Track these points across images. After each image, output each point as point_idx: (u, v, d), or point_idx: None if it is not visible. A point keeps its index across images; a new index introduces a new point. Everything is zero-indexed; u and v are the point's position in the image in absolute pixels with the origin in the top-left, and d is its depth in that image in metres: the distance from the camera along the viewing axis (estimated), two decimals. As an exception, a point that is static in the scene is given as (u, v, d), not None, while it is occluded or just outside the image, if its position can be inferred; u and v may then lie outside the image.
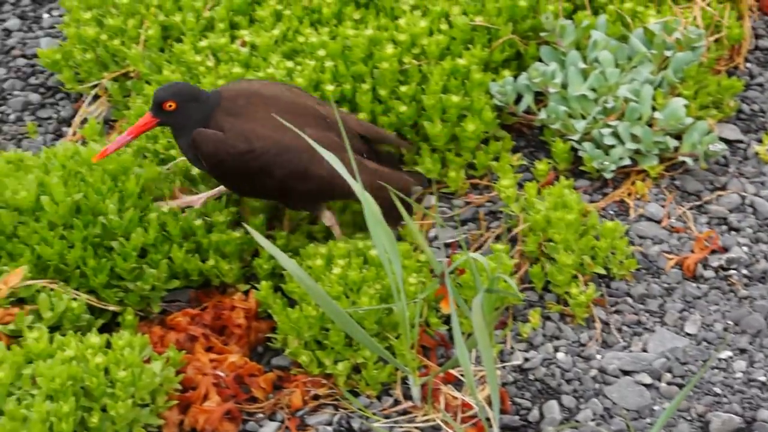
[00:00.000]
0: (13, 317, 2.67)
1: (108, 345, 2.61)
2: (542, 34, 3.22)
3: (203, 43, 3.20)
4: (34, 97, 3.48)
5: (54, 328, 2.70)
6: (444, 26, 3.19)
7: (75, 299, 2.74)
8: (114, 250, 2.78)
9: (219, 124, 2.78)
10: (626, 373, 2.73)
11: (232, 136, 2.76)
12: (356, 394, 2.71)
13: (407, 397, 2.71)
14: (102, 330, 2.74)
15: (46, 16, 3.72)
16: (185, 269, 2.85)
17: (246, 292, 2.87)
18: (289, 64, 3.13)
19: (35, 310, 2.71)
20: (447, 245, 2.97)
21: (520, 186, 3.07)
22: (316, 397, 2.72)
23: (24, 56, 3.60)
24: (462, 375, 2.70)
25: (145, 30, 3.29)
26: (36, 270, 2.77)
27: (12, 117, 3.43)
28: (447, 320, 2.78)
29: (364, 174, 2.74)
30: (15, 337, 2.65)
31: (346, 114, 2.99)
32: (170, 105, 2.77)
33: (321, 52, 3.14)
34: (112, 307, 2.80)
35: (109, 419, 2.49)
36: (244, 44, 3.20)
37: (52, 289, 2.74)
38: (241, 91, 2.84)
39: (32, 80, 3.54)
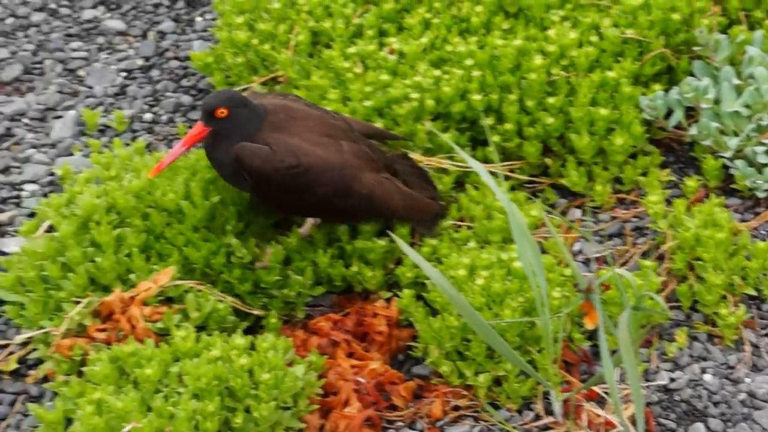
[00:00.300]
0: (161, 315, 2.72)
1: (252, 347, 2.64)
2: (695, 48, 3.16)
3: (352, 49, 3.22)
4: (186, 99, 3.54)
5: (200, 328, 2.74)
6: (594, 38, 3.16)
7: (221, 301, 2.78)
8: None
9: (264, 138, 2.76)
10: (777, 398, 2.68)
11: (278, 151, 2.74)
12: (497, 407, 2.70)
13: (548, 412, 2.68)
14: (246, 332, 2.77)
15: (199, 19, 3.79)
16: (329, 275, 2.87)
17: (388, 300, 2.88)
18: (437, 72, 3.13)
19: (183, 309, 2.75)
20: (592, 260, 2.94)
21: (668, 202, 3.02)
22: (456, 408, 2.71)
23: (177, 58, 3.68)
24: (606, 392, 2.66)
25: (296, 35, 3.32)
26: (184, 270, 2.82)
27: (164, 118, 3.49)
28: (590, 336, 2.75)
29: (399, 194, 2.83)
30: (163, 335, 2.70)
31: (354, 120, 3.00)
32: (222, 112, 2.75)
33: (469, 62, 3.13)
34: (256, 311, 2.83)
35: (252, 420, 2.52)
36: (392, 52, 3.22)
37: (199, 291, 2.78)
38: (278, 105, 2.84)
39: (184, 82, 3.60)
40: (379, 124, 3.09)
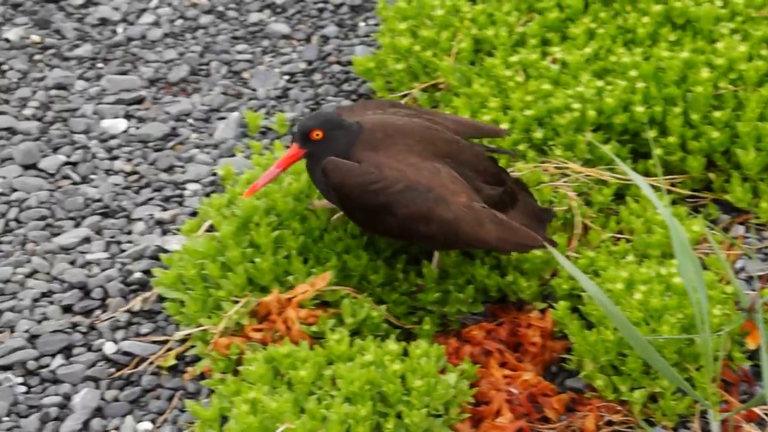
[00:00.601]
0: (316, 319, 2.75)
1: (405, 353, 2.64)
2: None
3: (514, 58, 3.21)
4: (346, 104, 3.57)
5: (353, 333, 2.75)
6: (764, 52, 3.09)
7: (375, 309, 2.78)
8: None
9: (357, 156, 2.73)
10: None
11: (361, 167, 2.71)
12: (652, 424, 2.65)
13: (705, 431, 2.62)
14: (399, 338, 2.77)
15: (362, 24, 3.82)
16: (485, 285, 2.85)
17: (542, 311, 2.85)
18: (599, 83, 3.09)
19: (337, 314, 2.77)
20: (755, 278, 2.86)
21: (837, 221, 2.93)
22: (609, 423, 2.67)
23: (339, 63, 3.71)
24: (766, 414, 2.59)
25: (458, 42, 3.32)
26: (340, 276, 2.84)
27: (324, 122, 3.53)
28: (751, 356, 2.68)
29: (493, 224, 2.70)
30: (317, 338, 2.73)
31: (460, 121, 2.92)
32: (317, 134, 2.74)
33: (633, 73, 3.08)
34: (409, 326, 2.83)
35: (403, 426, 2.52)
36: (554, 61, 3.19)
37: (354, 297, 2.79)
38: (377, 122, 2.80)
39: (345, 87, 3.63)
40: (539, 134, 3.06)
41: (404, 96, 3.40)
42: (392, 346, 2.62)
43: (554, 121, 3.06)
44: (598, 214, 3.00)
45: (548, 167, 3.03)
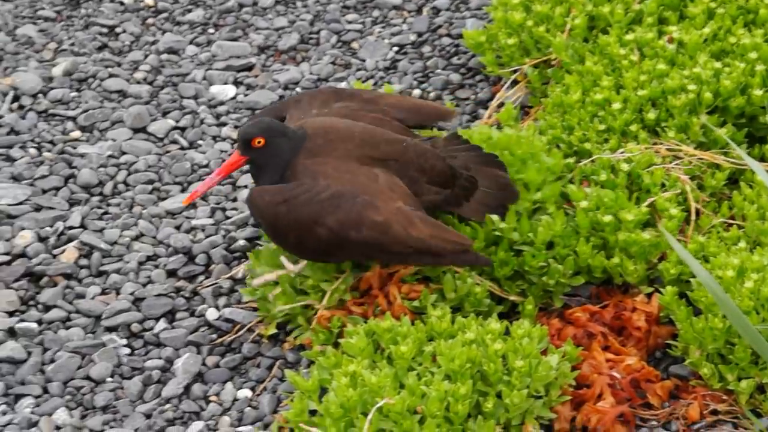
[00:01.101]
0: (418, 294, 2.73)
1: (507, 332, 2.61)
2: None
3: (629, 36, 3.14)
4: (455, 77, 3.53)
5: (455, 309, 2.73)
6: None
7: (478, 284, 2.76)
8: (522, 243, 2.79)
9: (298, 165, 2.71)
10: None
11: (285, 186, 2.69)
12: (758, 415, 2.59)
13: (813, 426, 2.56)
14: (501, 317, 2.75)
15: (474, -3, 3.78)
16: (589, 265, 2.81)
17: (649, 295, 2.80)
18: (717, 64, 3.02)
19: (439, 289, 2.75)
20: None
21: None
22: (714, 412, 2.61)
23: (449, 35, 3.68)
24: None
25: (572, 19, 3.26)
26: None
27: (432, 95, 3.50)
28: None
29: (424, 223, 2.66)
30: (418, 314, 2.71)
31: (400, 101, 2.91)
32: (259, 141, 2.72)
33: (752, 55, 3.01)
34: (513, 297, 2.80)
35: (503, 406, 2.50)
36: (671, 41, 3.12)
37: (456, 272, 2.77)
38: (320, 128, 2.77)
39: (455, 60, 3.60)
40: (651, 115, 2.99)
41: (515, 71, 3.35)
42: (494, 324, 2.60)
43: (668, 102, 2.99)
44: (711, 199, 2.93)
45: (660, 149, 2.96)
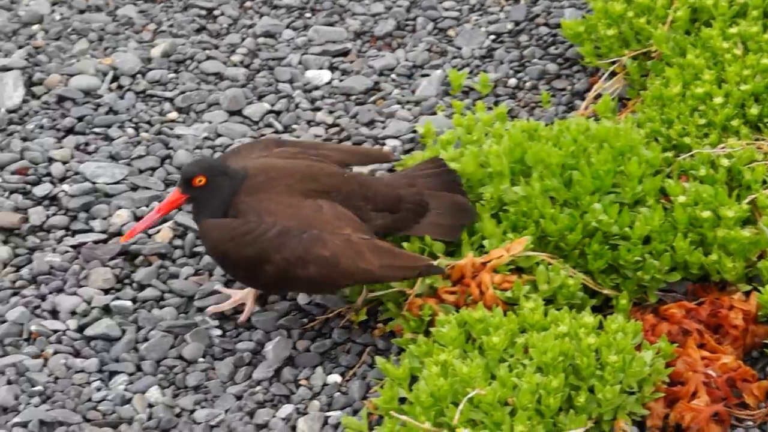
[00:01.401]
0: (510, 284, 2.71)
1: (600, 326, 2.59)
2: None
3: (733, 29, 3.09)
4: (552, 67, 3.50)
5: (548, 301, 2.71)
6: None
7: (571, 277, 2.73)
8: (617, 236, 2.75)
9: (239, 203, 2.70)
10: None
11: (232, 221, 2.69)
12: None
13: None
14: (594, 311, 2.72)
15: (588, -13, 3.74)
16: (686, 261, 2.77)
17: (747, 293, 2.75)
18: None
19: (532, 280, 2.73)
20: None
21: None
22: (812, 416, 2.57)
23: (547, 25, 3.64)
24: None
25: (674, 11, 3.21)
26: (538, 243, 2.79)
27: (528, 84, 3.47)
28: None
29: (373, 253, 2.63)
30: (510, 305, 2.69)
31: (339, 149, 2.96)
32: (200, 180, 2.71)
33: None
34: (606, 291, 2.77)
35: (595, 401, 2.47)
36: (776, 35, 3.06)
37: (550, 264, 2.75)
38: (261, 166, 2.76)
39: (552, 50, 3.57)
40: (754, 110, 2.94)
41: (613, 63, 3.31)
42: (587, 318, 2.57)
43: (772, 98, 2.95)
44: (813, 198, 2.87)
45: (762, 146, 2.91)
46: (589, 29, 3.38)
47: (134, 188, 3.20)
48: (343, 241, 2.65)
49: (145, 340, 2.84)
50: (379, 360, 2.62)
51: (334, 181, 2.79)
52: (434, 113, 3.41)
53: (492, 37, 3.64)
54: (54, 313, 2.90)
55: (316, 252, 2.65)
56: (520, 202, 2.81)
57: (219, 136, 3.38)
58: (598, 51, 3.36)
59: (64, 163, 3.27)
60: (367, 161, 3.05)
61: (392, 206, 2.80)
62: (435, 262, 2.71)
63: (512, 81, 3.49)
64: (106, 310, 2.90)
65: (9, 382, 2.75)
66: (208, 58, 3.63)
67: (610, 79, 3.34)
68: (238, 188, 2.73)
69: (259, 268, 2.67)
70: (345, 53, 3.66)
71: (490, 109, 3.34)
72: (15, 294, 2.94)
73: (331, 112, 3.45)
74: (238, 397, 2.72)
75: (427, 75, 3.55)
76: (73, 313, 2.89)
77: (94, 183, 3.20)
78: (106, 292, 2.95)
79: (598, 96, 3.31)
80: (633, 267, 2.74)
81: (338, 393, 2.72)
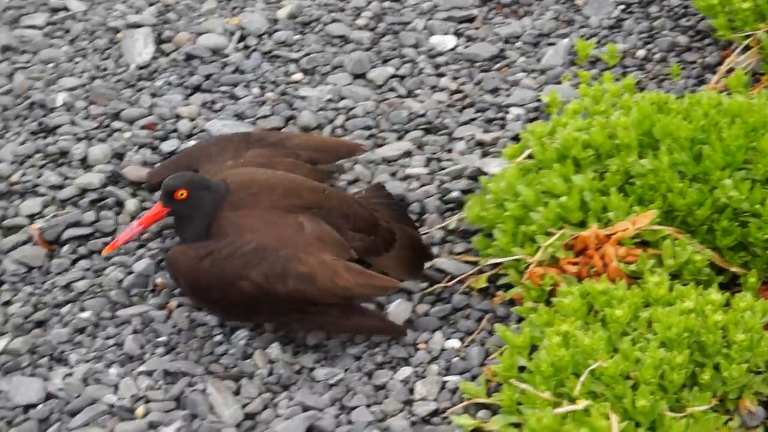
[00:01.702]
0: (635, 258, 2.68)
1: (727, 304, 2.54)
2: None
3: None
4: (682, 39, 3.44)
5: (673, 276, 2.67)
6: None
7: (698, 253, 2.69)
8: (747, 213, 2.69)
9: (222, 218, 2.68)
10: None
11: (201, 244, 2.68)
12: None
13: None
14: (721, 287, 2.67)
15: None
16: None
17: None
18: None
19: (657, 255, 2.69)
20: None
21: None
22: None
23: (679, -4, 3.59)
24: None
25: (813, -15, 3.13)
26: (663, 216, 2.75)
27: (657, 56, 3.42)
28: None
29: (349, 272, 2.62)
30: (634, 278, 2.66)
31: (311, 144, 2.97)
32: (182, 194, 2.69)
33: None
34: (734, 269, 2.72)
35: (720, 379, 2.43)
36: None
37: (676, 239, 2.70)
38: (243, 181, 2.74)
39: (683, 22, 3.50)
40: None
41: (747, 36, 3.24)
42: (714, 295, 2.52)
43: None
44: None
45: None
46: (723, 2, 3.30)
47: (259, 147, 3.22)
48: (320, 261, 2.66)
49: (267, 297, 2.86)
50: (499, 327, 2.61)
51: (316, 197, 2.79)
52: (559, 83, 3.38)
53: (621, 7, 3.59)
54: (178, 267, 2.94)
55: (294, 268, 2.64)
56: (647, 176, 2.77)
57: (342, 98, 3.38)
58: (732, 24, 3.29)
59: (191, 120, 3.31)
60: (337, 158, 3.06)
61: (370, 229, 2.82)
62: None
63: (641, 52, 3.43)
64: (229, 266, 2.93)
65: (135, 332, 2.80)
66: (334, 20, 3.64)
67: (744, 53, 3.26)
68: (221, 203, 2.73)
69: (235, 287, 2.65)
70: (470, 19, 3.64)
71: (617, 80, 3.29)
72: (141, 246, 2.99)
73: (455, 78, 3.43)
74: (357, 358, 2.73)
75: (553, 44, 3.51)
76: (197, 268, 2.93)
77: (219, 140, 3.23)
78: (230, 247, 2.98)
79: (730, 70, 3.24)
80: (763, 245, 2.68)
81: (456, 358, 2.71)
